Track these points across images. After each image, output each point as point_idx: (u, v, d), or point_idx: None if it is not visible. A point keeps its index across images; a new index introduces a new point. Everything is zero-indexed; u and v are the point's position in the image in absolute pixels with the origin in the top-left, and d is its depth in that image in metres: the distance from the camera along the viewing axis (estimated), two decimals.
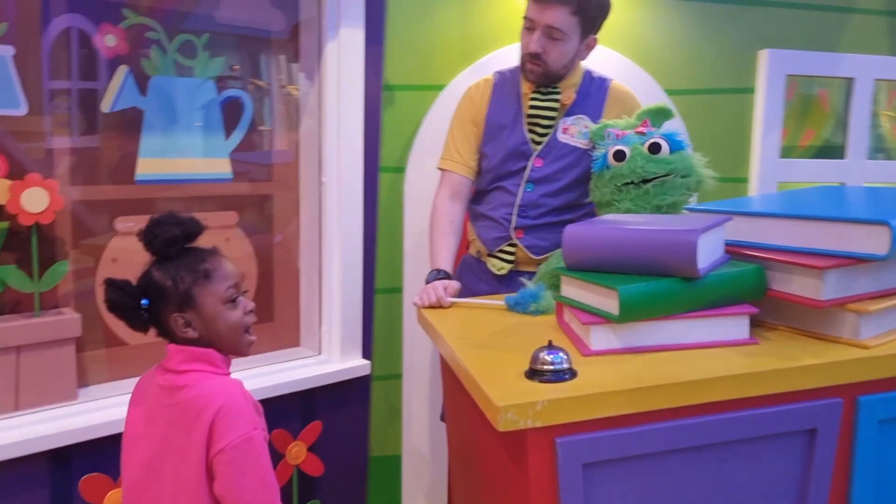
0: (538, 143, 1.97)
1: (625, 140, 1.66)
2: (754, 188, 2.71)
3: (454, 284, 1.76)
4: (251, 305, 1.41)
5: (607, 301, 1.29)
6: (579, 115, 1.98)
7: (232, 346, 1.38)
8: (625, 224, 1.38)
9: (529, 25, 1.92)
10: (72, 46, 1.77)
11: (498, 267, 1.99)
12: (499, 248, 2.00)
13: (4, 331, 1.66)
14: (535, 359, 1.21)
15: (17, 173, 1.66)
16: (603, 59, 2.46)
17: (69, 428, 1.70)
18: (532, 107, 1.97)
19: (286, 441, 2.06)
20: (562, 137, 1.97)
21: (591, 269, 1.38)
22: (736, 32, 2.64)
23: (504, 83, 2.04)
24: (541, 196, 1.96)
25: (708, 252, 1.34)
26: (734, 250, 1.45)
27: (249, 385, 1.95)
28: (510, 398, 1.12)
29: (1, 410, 1.68)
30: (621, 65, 2.48)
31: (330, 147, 2.10)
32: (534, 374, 1.20)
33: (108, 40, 1.81)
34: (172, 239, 1.31)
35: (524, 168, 1.97)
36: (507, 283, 1.97)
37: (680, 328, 1.31)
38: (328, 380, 2.13)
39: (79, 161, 1.81)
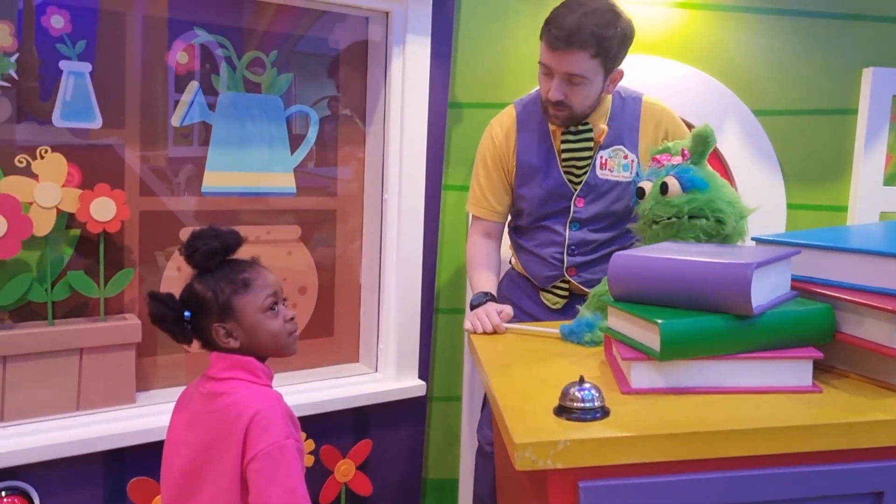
0: (577, 183, 1.87)
1: (656, 173, 1.55)
2: (853, 218, 2.50)
3: (508, 310, 1.70)
4: (291, 313, 1.41)
5: (650, 336, 1.20)
6: (616, 147, 1.86)
7: (276, 350, 1.39)
8: (674, 253, 1.28)
9: (546, 71, 1.78)
10: (146, 63, 1.84)
11: (553, 302, 1.92)
12: (552, 284, 1.93)
13: (69, 333, 1.73)
14: (564, 394, 1.13)
15: (90, 184, 1.74)
16: (684, 77, 2.36)
17: (126, 430, 1.75)
18: (565, 150, 1.86)
19: (335, 458, 2.05)
20: (601, 174, 1.86)
21: (638, 300, 1.29)
22: (837, 49, 2.45)
23: (528, 118, 1.90)
24: (589, 233, 1.89)
25: (767, 287, 1.23)
26: (803, 286, 1.32)
27: (301, 398, 1.99)
28: (531, 435, 1.05)
29: (63, 409, 1.75)
30: (704, 84, 2.36)
31: (392, 163, 2.08)
32: (562, 410, 1.13)
33: (180, 57, 1.87)
34: (212, 251, 1.33)
35: (567, 208, 1.89)
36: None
37: (732, 370, 1.20)
38: (382, 398, 2.10)
39: (149, 173, 1.87)
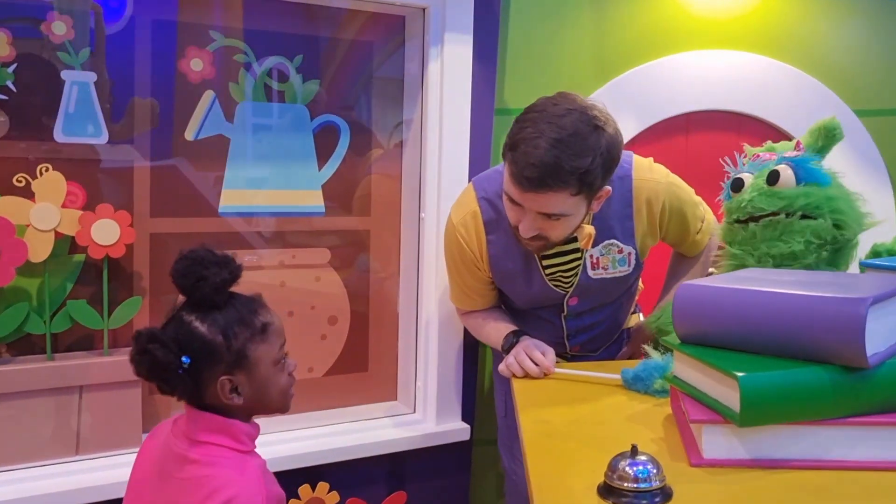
0: (568, 286, 1.58)
1: (759, 165, 1.27)
2: None
3: (550, 350, 1.44)
4: (294, 365, 1.20)
5: (727, 392, 0.92)
6: (608, 243, 1.54)
7: (277, 410, 1.19)
8: (759, 283, 1.00)
9: (514, 204, 1.40)
10: (156, 71, 1.68)
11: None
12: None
13: (68, 368, 1.58)
14: (611, 470, 0.87)
15: (95, 204, 1.59)
16: (772, 74, 2.12)
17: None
18: (547, 266, 1.56)
19: None
20: (594, 274, 1.56)
21: (712, 343, 1.01)
22: None
23: (497, 218, 1.54)
24: (588, 318, 1.65)
25: (886, 330, 0.94)
26: None
27: (327, 443, 1.77)
28: None
29: (60, 454, 1.59)
30: (796, 81, 2.11)
31: (431, 178, 1.86)
32: (609, 491, 0.86)
33: (193, 64, 1.71)
34: (223, 284, 1.09)
35: (558, 305, 1.62)
36: None
37: (838, 438, 0.91)
38: (419, 443, 1.87)
39: (159, 191, 1.71)
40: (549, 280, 1.57)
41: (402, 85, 1.95)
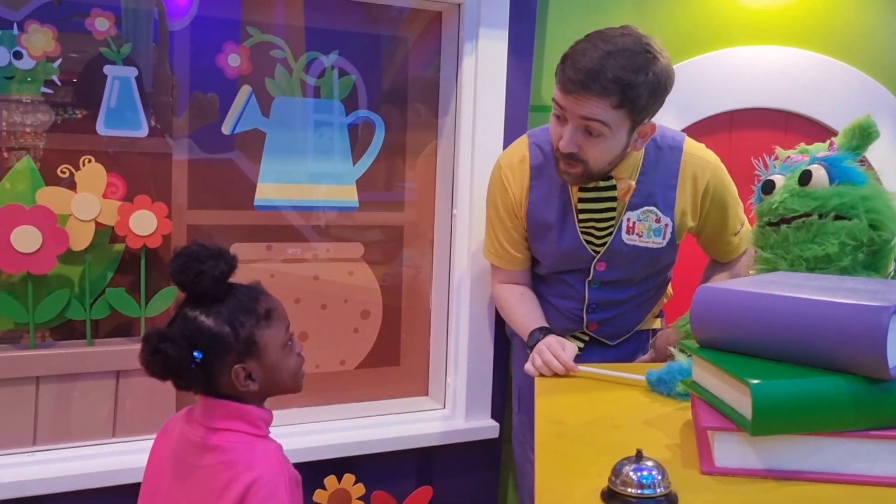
0: (598, 246, 1.55)
1: (791, 166, 1.22)
2: None
3: (571, 345, 1.43)
4: (300, 346, 1.23)
5: (741, 399, 0.90)
6: (647, 209, 1.53)
7: (290, 390, 1.21)
8: (778, 287, 0.97)
9: (559, 112, 1.42)
10: (194, 67, 1.72)
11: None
12: (571, 334, 1.65)
13: (106, 354, 1.63)
14: (615, 474, 0.85)
15: (135, 196, 1.63)
16: (823, 69, 2.03)
17: None
18: (581, 210, 1.53)
19: None
20: (627, 239, 1.54)
21: (728, 348, 0.98)
22: None
23: (544, 164, 1.56)
24: (611, 293, 1.61)
25: None
26: None
27: (355, 436, 1.79)
28: None
29: (98, 435, 1.65)
30: (845, 76, 2.03)
31: (463, 174, 1.85)
32: (612, 496, 0.85)
33: (231, 60, 1.74)
34: (221, 276, 1.11)
35: (585, 269, 1.59)
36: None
37: (856, 452, 0.88)
38: (448, 439, 1.87)
39: (196, 184, 1.75)
40: (582, 233, 1.55)
41: (437, 81, 1.94)
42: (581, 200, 1.53)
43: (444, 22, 1.91)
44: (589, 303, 1.62)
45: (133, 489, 1.57)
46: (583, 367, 1.38)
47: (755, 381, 0.85)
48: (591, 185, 1.50)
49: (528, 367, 1.42)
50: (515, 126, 1.86)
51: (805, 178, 1.17)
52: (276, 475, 1.10)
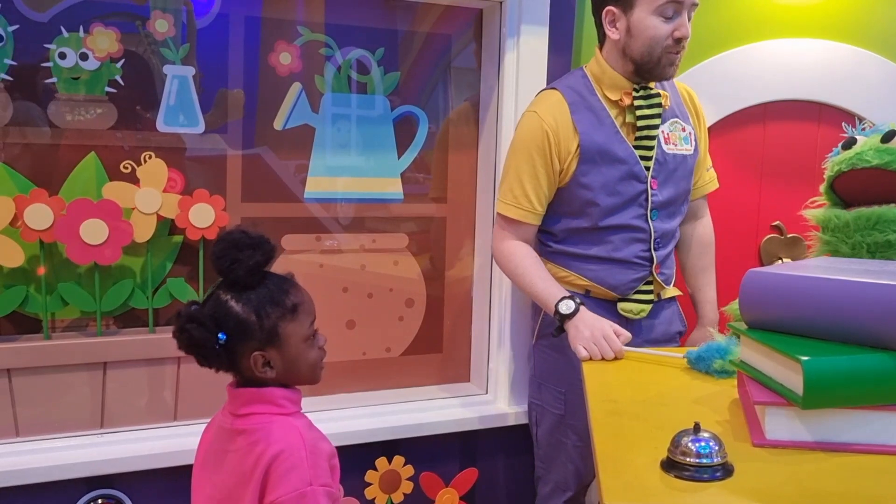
0: (648, 160, 1.65)
1: (878, 129, 1.27)
2: None
3: (625, 333, 1.49)
4: (324, 340, 1.26)
5: (791, 375, 0.95)
6: (673, 120, 1.70)
7: (308, 381, 1.24)
8: (826, 271, 1.02)
9: (674, 10, 1.57)
10: (248, 65, 1.79)
11: (637, 311, 1.68)
12: (635, 290, 1.68)
13: (167, 341, 1.69)
14: (674, 445, 0.92)
15: (192, 189, 1.70)
16: (859, 61, 2.08)
17: None
18: (640, 116, 1.64)
19: (437, 486, 1.90)
20: (667, 149, 1.67)
21: (778, 328, 1.04)
22: None
23: (578, 97, 1.66)
24: (666, 220, 1.71)
25: None
26: None
27: (403, 419, 1.86)
28: (626, 494, 0.85)
29: (160, 419, 1.73)
30: (883, 70, 2.05)
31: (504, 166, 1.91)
32: (671, 466, 0.91)
33: (282, 58, 1.80)
34: (256, 266, 1.16)
35: (642, 194, 1.65)
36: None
37: None
38: (491, 423, 1.93)
39: (250, 178, 1.82)
40: (635, 147, 1.64)
41: (478, 77, 2.00)
42: (637, 108, 1.64)
43: (486, 19, 1.97)
44: (655, 238, 1.67)
45: (188, 471, 1.67)
46: (628, 348, 1.47)
47: (806, 358, 0.91)
48: (643, 92, 1.64)
49: (581, 351, 1.47)
50: None
51: (889, 135, 1.22)
52: (296, 448, 1.12)
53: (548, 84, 1.84)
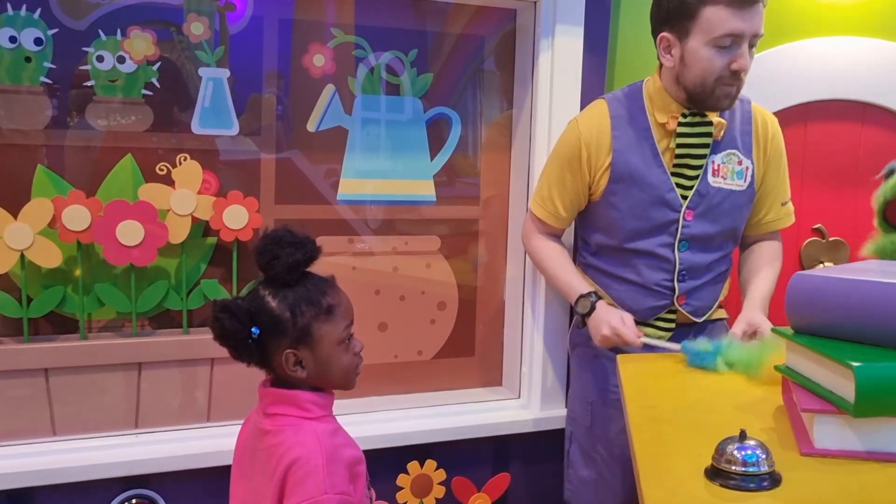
0: (686, 190, 1.58)
1: None
2: None
3: (630, 316, 1.56)
4: (360, 346, 1.24)
5: (841, 382, 0.92)
6: (730, 151, 1.60)
7: (340, 386, 1.23)
8: (876, 275, 0.98)
9: (732, 41, 1.49)
10: (282, 67, 1.79)
11: (657, 336, 1.62)
12: (656, 317, 1.65)
13: (201, 342, 1.71)
14: (719, 453, 0.89)
15: (226, 191, 1.71)
16: (889, 60, 1.98)
17: None
18: (680, 144, 1.57)
19: (469, 491, 1.88)
20: (713, 182, 1.59)
21: (827, 333, 1.00)
22: None
23: (624, 113, 1.63)
24: (699, 254, 1.63)
25: None
26: None
27: (435, 423, 1.84)
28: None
29: (194, 419, 1.74)
30: None
31: (538, 170, 1.87)
32: (716, 474, 0.88)
33: (316, 60, 1.80)
34: (295, 265, 1.15)
35: (673, 224, 1.60)
36: None
37: None
38: (523, 428, 1.91)
39: (283, 180, 1.82)
40: (672, 175, 1.59)
41: (512, 78, 1.98)
42: (680, 135, 1.57)
43: (519, 19, 1.95)
44: (679, 269, 1.62)
45: (227, 471, 1.67)
46: (643, 339, 1.51)
47: (858, 364, 0.87)
48: (690, 119, 1.57)
49: (599, 340, 1.52)
50: None
51: None
52: (313, 455, 1.11)
53: (583, 85, 1.83)
